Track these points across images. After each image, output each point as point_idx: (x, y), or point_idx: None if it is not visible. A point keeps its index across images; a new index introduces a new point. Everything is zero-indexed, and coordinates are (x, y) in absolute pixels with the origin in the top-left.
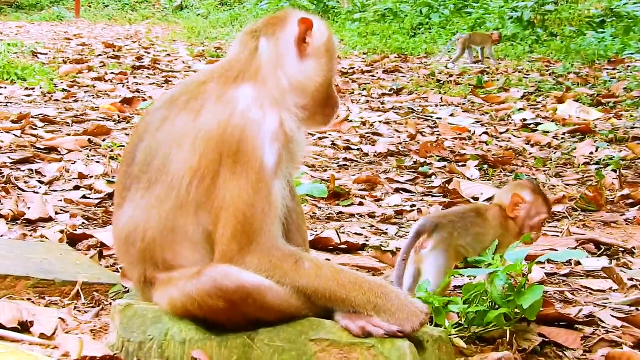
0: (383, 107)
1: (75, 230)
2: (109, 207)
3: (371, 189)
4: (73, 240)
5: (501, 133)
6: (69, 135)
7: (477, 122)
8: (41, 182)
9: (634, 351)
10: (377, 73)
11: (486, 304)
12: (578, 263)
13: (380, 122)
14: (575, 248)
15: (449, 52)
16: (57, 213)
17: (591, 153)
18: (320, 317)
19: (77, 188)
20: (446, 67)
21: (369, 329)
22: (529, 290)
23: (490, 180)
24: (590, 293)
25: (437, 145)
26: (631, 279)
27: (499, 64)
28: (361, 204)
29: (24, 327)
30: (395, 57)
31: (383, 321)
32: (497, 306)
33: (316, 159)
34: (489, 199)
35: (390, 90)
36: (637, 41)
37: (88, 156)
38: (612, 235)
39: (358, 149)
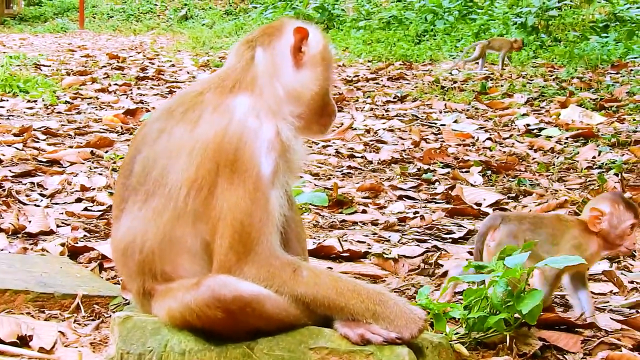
0: (387, 114)
1: (77, 243)
2: (110, 219)
3: (374, 197)
4: (74, 253)
5: (504, 138)
6: (71, 147)
7: (481, 128)
8: (42, 195)
9: (634, 354)
10: (382, 80)
11: (486, 309)
12: None
13: (384, 129)
14: None
15: (467, 53)
16: (58, 226)
17: (594, 157)
18: (319, 325)
19: (79, 200)
20: (450, 73)
21: (367, 336)
22: (529, 295)
23: (494, 186)
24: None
25: (440, 152)
26: (631, 282)
27: (503, 69)
28: (364, 211)
29: (23, 341)
30: (400, 64)
31: (382, 328)
32: (497, 311)
33: (320, 167)
34: (493, 204)
35: (394, 98)
36: None
37: (90, 168)
38: None
39: (362, 157)
